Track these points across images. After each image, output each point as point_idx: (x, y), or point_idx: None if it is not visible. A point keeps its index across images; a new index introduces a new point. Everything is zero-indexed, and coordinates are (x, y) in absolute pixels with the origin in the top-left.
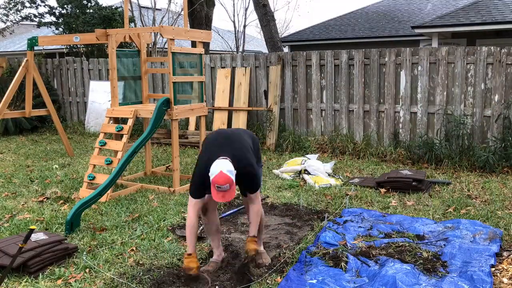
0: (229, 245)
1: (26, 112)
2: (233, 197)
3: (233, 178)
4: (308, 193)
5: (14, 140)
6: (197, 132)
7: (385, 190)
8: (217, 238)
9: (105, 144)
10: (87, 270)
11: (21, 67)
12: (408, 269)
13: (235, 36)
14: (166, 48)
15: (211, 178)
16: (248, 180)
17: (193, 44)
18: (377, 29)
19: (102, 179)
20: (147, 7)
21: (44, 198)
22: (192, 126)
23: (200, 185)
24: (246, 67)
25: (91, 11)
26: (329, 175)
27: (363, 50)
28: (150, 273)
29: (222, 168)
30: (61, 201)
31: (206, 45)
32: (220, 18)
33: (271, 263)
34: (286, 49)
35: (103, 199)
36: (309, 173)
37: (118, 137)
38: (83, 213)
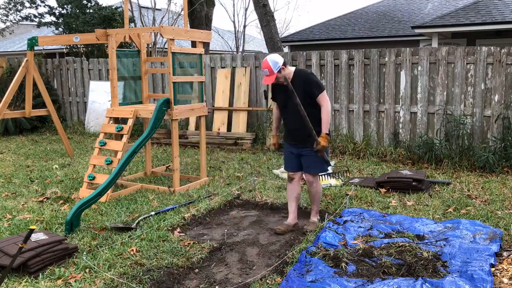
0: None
1: (26, 112)
2: (272, 82)
3: (272, 66)
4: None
5: (14, 140)
6: (197, 132)
7: (385, 190)
8: (294, 204)
9: (105, 144)
10: (87, 270)
11: (21, 67)
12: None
13: (235, 36)
14: (166, 48)
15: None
16: (309, 83)
17: (193, 44)
18: (377, 29)
19: (102, 179)
20: (147, 7)
21: (44, 198)
22: (192, 126)
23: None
24: (246, 67)
25: (91, 11)
26: (329, 175)
27: (363, 50)
28: (150, 273)
29: (268, 57)
30: (61, 201)
31: (206, 45)
32: (220, 18)
33: (271, 263)
34: (286, 49)
35: (103, 199)
36: None
37: (118, 137)
38: (83, 213)
